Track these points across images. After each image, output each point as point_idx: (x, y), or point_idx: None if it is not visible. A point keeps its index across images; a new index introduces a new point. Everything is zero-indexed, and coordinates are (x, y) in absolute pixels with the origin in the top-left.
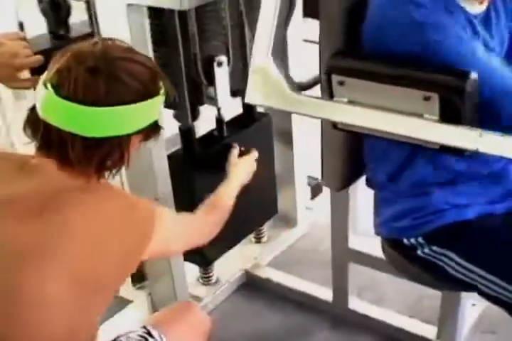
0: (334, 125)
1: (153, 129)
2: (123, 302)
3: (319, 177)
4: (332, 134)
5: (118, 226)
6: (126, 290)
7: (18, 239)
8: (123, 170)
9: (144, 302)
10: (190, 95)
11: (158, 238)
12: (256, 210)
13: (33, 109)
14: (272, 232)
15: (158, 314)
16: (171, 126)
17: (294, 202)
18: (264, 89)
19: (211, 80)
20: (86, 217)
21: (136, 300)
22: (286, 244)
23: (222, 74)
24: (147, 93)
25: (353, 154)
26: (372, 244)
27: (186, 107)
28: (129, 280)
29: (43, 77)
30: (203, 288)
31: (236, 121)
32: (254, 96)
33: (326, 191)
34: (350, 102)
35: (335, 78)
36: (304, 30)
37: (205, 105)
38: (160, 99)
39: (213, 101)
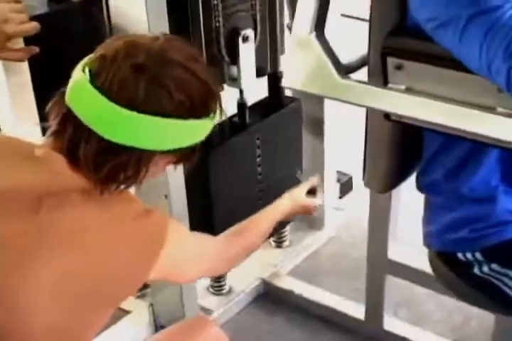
0: (387, 116)
1: (185, 155)
2: (119, 313)
3: (349, 173)
4: (381, 127)
5: (123, 236)
6: None
7: (6, 237)
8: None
9: (145, 314)
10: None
11: (168, 256)
12: (281, 179)
13: (64, 92)
14: (295, 235)
15: (169, 330)
16: None
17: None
18: (305, 71)
19: (234, 58)
20: (85, 223)
21: (136, 310)
22: (311, 250)
23: (247, 51)
24: (192, 111)
25: (404, 150)
26: (413, 254)
27: None
28: None
29: (85, 59)
30: (213, 298)
31: (260, 106)
32: (293, 79)
33: (357, 189)
34: (409, 90)
35: (391, 61)
36: (342, 4)
37: (226, 87)
38: (206, 124)
39: (235, 82)
